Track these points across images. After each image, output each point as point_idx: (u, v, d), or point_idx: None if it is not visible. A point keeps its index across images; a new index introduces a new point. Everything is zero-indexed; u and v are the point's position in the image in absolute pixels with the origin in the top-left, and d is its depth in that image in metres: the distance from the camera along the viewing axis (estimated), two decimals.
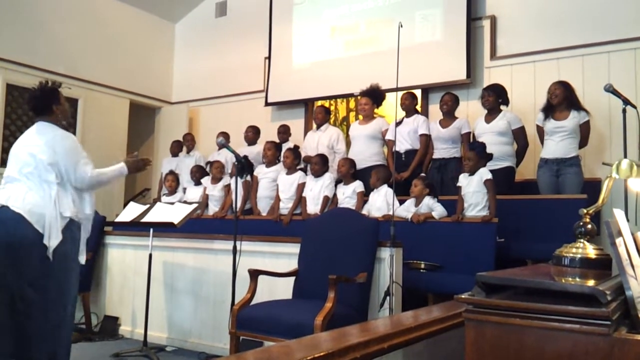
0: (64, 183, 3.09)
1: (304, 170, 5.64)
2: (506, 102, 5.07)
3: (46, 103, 3.22)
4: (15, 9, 6.65)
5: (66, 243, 3.06)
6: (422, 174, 5.13)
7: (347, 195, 5.04)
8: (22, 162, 3.11)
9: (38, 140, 3.12)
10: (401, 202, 4.68)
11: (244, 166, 4.16)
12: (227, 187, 5.92)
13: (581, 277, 1.32)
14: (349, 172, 5.09)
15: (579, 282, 1.24)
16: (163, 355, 4.13)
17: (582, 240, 1.46)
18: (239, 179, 4.41)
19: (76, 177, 3.09)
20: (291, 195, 5.41)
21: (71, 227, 3.10)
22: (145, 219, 4.29)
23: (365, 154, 5.44)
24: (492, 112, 5.00)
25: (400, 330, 1.37)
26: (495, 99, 4.99)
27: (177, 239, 4.54)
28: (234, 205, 4.41)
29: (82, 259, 3.21)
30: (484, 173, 4.29)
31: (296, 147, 5.77)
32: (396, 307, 3.30)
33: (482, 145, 4.48)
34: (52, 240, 2.99)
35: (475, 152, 4.38)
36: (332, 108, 6.98)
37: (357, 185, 5.04)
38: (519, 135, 4.97)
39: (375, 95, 5.61)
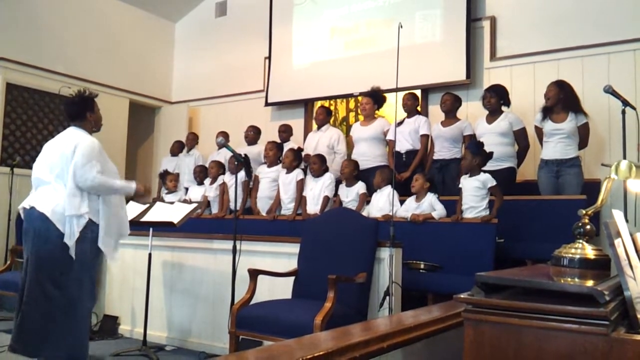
0: (75, 184, 3.25)
1: (304, 169, 5.64)
2: (507, 103, 5.07)
3: (82, 110, 3.48)
4: (16, 9, 6.65)
5: (85, 242, 3.24)
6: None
7: (352, 198, 5.04)
8: (51, 164, 3.33)
9: (67, 144, 3.32)
10: (402, 202, 4.69)
11: (243, 165, 4.17)
12: (222, 187, 5.93)
13: (580, 278, 1.32)
14: (352, 173, 5.09)
15: (577, 283, 1.24)
16: (162, 355, 4.13)
17: (581, 241, 1.46)
18: (238, 178, 4.42)
19: (81, 174, 3.22)
20: (291, 194, 5.42)
21: (92, 228, 3.27)
22: (145, 219, 4.29)
23: (369, 155, 5.45)
24: (494, 113, 5.00)
25: (399, 329, 1.37)
26: (497, 100, 4.99)
27: (177, 239, 4.55)
28: (231, 205, 4.41)
29: (112, 257, 3.45)
30: (488, 180, 4.27)
31: (299, 149, 5.76)
32: (396, 307, 3.30)
33: (477, 144, 4.46)
34: (71, 237, 3.18)
35: (470, 151, 4.38)
36: (332, 108, 6.99)
37: (360, 187, 5.05)
38: (521, 136, 4.97)
39: (376, 97, 5.62)
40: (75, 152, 3.26)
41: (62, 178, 3.27)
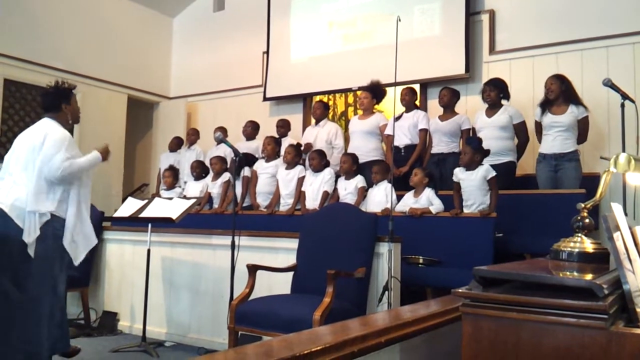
0: (43, 177, 3.07)
1: (304, 165, 5.64)
2: (507, 96, 5.06)
3: (56, 101, 3.31)
4: (13, 5, 6.63)
5: (46, 239, 3.04)
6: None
7: (349, 191, 5.03)
8: (18, 157, 3.16)
9: (36, 136, 3.15)
10: (399, 197, 4.68)
11: (241, 161, 4.16)
12: (226, 184, 5.92)
13: (579, 271, 1.32)
14: (352, 168, 5.08)
15: (576, 276, 1.24)
16: (162, 351, 4.13)
17: (580, 235, 1.46)
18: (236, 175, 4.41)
19: (49, 167, 3.05)
20: (291, 190, 5.41)
21: (53, 224, 3.07)
22: (144, 214, 4.28)
23: (364, 149, 5.44)
24: (493, 107, 4.99)
25: (397, 324, 1.37)
26: (497, 93, 4.98)
27: (176, 234, 4.54)
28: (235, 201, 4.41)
29: (76, 260, 3.19)
30: (488, 171, 4.27)
31: (299, 145, 5.76)
32: (394, 302, 3.30)
33: (478, 140, 4.48)
34: (30, 235, 2.98)
35: (471, 147, 4.38)
36: (331, 103, 6.97)
37: (359, 181, 5.04)
38: (521, 130, 4.95)
39: (375, 91, 5.60)
40: (44, 144, 3.09)
41: (26, 171, 3.09)
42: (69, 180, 3.13)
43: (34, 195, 3.02)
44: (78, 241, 3.19)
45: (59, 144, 3.12)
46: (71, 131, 7.04)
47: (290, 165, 5.50)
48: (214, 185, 6.00)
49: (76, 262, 3.22)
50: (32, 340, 3.01)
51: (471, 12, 5.97)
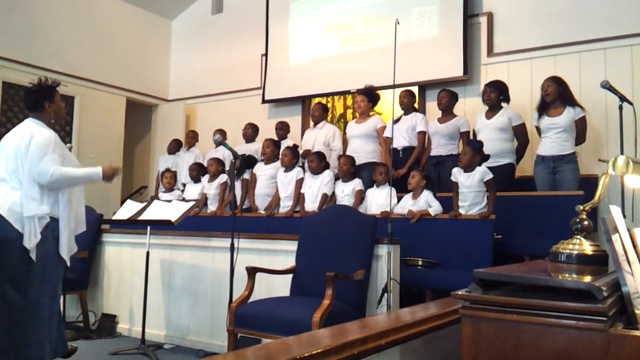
0: (33, 180, 3.02)
1: (302, 167, 5.64)
2: (507, 99, 5.07)
3: (39, 100, 3.20)
4: (12, 7, 6.63)
5: (47, 242, 3.01)
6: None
7: (347, 194, 5.03)
8: (7, 161, 3.10)
9: (22, 137, 3.09)
10: (398, 199, 4.69)
11: (242, 164, 4.16)
12: (224, 185, 5.92)
13: (578, 273, 1.32)
14: (350, 170, 5.09)
15: (575, 278, 1.24)
16: (161, 353, 4.13)
17: (578, 237, 1.46)
18: (236, 177, 4.41)
19: (38, 172, 2.99)
20: (290, 193, 5.42)
21: (53, 226, 3.05)
22: (143, 217, 4.28)
23: (361, 151, 5.46)
24: (493, 109, 4.99)
25: (397, 326, 1.37)
26: (497, 95, 4.98)
27: (175, 237, 4.54)
28: (234, 203, 4.41)
29: (67, 260, 3.14)
30: (486, 173, 4.28)
31: (295, 146, 5.77)
32: (394, 304, 3.31)
33: (479, 143, 4.49)
34: (31, 240, 2.95)
35: (472, 148, 4.39)
36: (329, 105, 6.98)
37: (357, 184, 5.05)
38: (520, 132, 4.96)
39: (370, 95, 5.62)
40: (30, 147, 3.03)
41: (17, 175, 3.04)
42: (59, 186, 3.07)
43: (28, 200, 2.98)
44: (69, 243, 3.15)
45: (45, 146, 3.05)
46: (70, 134, 7.06)
47: (288, 167, 5.50)
48: (210, 187, 5.99)
49: (67, 263, 3.18)
50: (34, 345, 2.98)
51: (469, 15, 5.98)
